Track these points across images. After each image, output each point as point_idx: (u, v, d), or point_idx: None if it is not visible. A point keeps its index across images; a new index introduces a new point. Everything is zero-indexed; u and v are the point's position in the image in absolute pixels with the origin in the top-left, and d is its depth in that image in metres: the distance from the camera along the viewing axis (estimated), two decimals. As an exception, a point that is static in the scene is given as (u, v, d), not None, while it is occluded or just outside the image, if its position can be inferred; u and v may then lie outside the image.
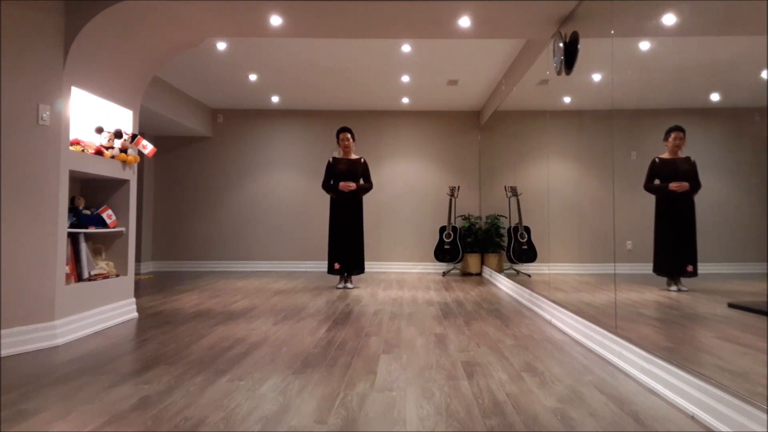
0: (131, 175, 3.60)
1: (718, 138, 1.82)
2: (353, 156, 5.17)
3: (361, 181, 5.13)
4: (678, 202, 2.02)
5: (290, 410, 1.81)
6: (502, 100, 5.52)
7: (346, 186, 4.98)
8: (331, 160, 5.16)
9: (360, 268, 5.15)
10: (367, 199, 7.15)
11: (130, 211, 3.59)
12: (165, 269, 7.17)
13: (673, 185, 2.04)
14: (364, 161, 5.20)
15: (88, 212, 3.33)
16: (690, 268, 1.95)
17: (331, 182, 5.08)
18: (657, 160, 2.12)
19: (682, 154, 1.99)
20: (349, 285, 5.21)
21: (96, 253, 3.46)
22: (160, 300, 4.38)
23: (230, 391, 2.01)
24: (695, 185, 1.90)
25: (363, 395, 1.97)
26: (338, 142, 5.15)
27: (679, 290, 2.07)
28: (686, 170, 1.92)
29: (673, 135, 2.03)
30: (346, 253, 5.07)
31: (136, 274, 6.56)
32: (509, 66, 5.21)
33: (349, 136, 5.11)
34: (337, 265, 5.08)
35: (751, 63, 1.59)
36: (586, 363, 2.44)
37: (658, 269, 2.21)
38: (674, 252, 2.07)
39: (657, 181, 2.16)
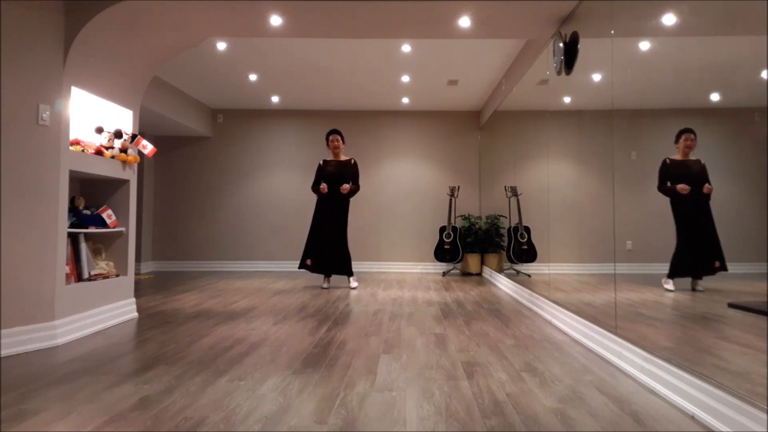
0: (131, 175, 3.60)
1: (718, 138, 1.82)
2: (343, 157, 5.20)
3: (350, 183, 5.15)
4: (690, 203, 2.01)
5: (290, 410, 1.81)
6: (502, 100, 5.52)
7: (343, 189, 4.99)
8: (321, 162, 5.20)
9: (344, 271, 5.13)
10: (367, 199, 7.15)
11: (130, 211, 3.59)
12: (165, 269, 7.17)
13: (679, 187, 2.03)
14: (354, 162, 5.22)
15: (88, 212, 3.33)
16: (717, 264, 1.93)
17: (321, 184, 5.10)
18: (668, 161, 2.11)
19: (693, 156, 1.98)
20: (352, 285, 5.19)
21: (96, 253, 3.46)
22: (160, 300, 4.38)
23: (230, 391, 2.01)
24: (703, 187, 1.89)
25: (363, 395, 1.97)
26: (328, 144, 5.20)
27: (694, 290, 2.05)
28: (698, 172, 1.91)
29: (684, 137, 2.03)
30: (323, 252, 5.07)
31: (136, 274, 6.56)
32: (509, 66, 5.20)
33: (339, 137, 5.17)
34: (309, 262, 5.09)
35: (751, 63, 1.59)
36: (586, 363, 2.44)
37: (677, 271, 2.16)
38: (697, 251, 2.05)
39: (669, 183, 2.14)
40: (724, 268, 1.86)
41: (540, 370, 2.32)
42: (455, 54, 4.91)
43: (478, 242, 6.65)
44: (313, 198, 7.16)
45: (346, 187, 5.01)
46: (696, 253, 2.03)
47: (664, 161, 2.13)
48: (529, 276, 4.47)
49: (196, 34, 3.57)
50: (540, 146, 4.01)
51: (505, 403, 1.88)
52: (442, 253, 6.67)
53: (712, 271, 1.95)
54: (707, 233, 1.89)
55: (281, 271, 6.98)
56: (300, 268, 5.16)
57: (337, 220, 5.10)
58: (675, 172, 2.08)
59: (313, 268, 5.12)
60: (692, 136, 1.98)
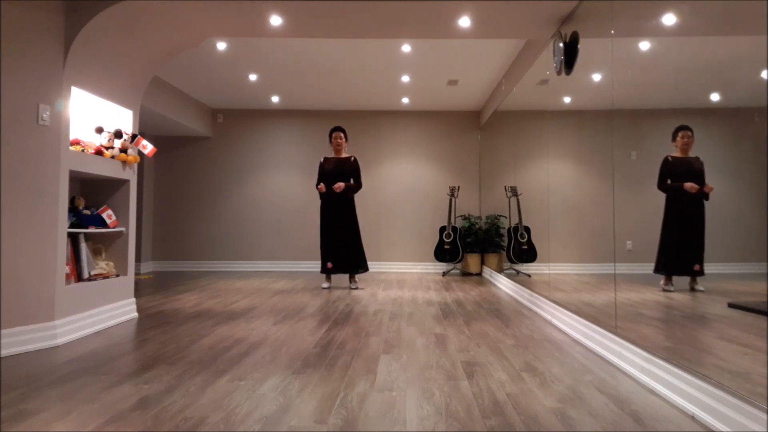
0: (131, 175, 3.60)
1: (718, 138, 1.82)
2: (343, 155, 5.18)
3: (351, 181, 5.12)
4: (692, 202, 2.01)
5: (290, 410, 1.81)
6: (502, 100, 5.52)
7: (336, 187, 4.97)
8: (322, 160, 5.20)
9: (362, 267, 5.14)
10: (367, 199, 7.15)
11: (130, 211, 3.59)
12: (165, 269, 7.17)
13: (687, 185, 2.03)
14: (354, 159, 5.19)
15: (88, 212, 3.33)
16: (697, 267, 1.94)
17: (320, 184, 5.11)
18: (670, 158, 2.11)
19: (692, 154, 1.98)
20: (353, 285, 5.19)
21: (96, 253, 3.46)
22: (160, 300, 4.38)
23: (230, 391, 2.01)
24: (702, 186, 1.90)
25: (363, 395, 1.97)
26: (330, 141, 5.18)
27: (693, 290, 2.06)
28: (699, 169, 1.91)
29: (680, 134, 2.02)
30: (338, 252, 5.07)
31: (136, 274, 6.56)
32: (509, 66, 5.20)
33: (342, 135, 5.15)
34: (329, 265, 5.08)
35: (751, 63, 1.59)
36: (586, 363, 2.44)
37: (661, 268, 2.20)
38: (682, 251, 2.05)
39: (669, 181, 2.14)
40: (702, 272, 1.89)
41: (540, 370, 2.32)
42: (455, 54, 4.91)
43: (478, 242, 6.66)
44: (313, 198, 7.16)
45: (340, 185, 4.97)
46: (691, 252, 2.04)
47: (666, 158, 2.12)
48: (529, 276, 4.47)
49: (196, 34, 3.57)
50: (540, 146, 4.01)
51: (505, 403, 1.88)
52: (442, 253, 6.67)
53: (692, 273, 1.97)
54: (701, 233, 1.90)
55: (281, 271, 6.98)
56: (322, 272, 5.13)
57: (341, 219, 5.07)
58: (677, 169, 2.08)
59: (333, 270, 5.10)
60: (689, 133, 1.98)
